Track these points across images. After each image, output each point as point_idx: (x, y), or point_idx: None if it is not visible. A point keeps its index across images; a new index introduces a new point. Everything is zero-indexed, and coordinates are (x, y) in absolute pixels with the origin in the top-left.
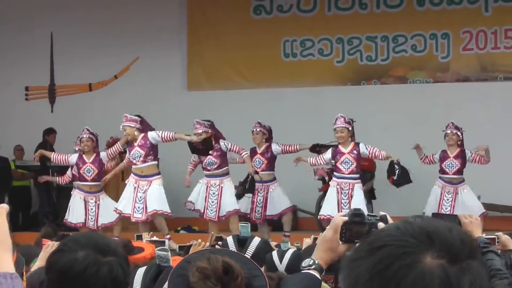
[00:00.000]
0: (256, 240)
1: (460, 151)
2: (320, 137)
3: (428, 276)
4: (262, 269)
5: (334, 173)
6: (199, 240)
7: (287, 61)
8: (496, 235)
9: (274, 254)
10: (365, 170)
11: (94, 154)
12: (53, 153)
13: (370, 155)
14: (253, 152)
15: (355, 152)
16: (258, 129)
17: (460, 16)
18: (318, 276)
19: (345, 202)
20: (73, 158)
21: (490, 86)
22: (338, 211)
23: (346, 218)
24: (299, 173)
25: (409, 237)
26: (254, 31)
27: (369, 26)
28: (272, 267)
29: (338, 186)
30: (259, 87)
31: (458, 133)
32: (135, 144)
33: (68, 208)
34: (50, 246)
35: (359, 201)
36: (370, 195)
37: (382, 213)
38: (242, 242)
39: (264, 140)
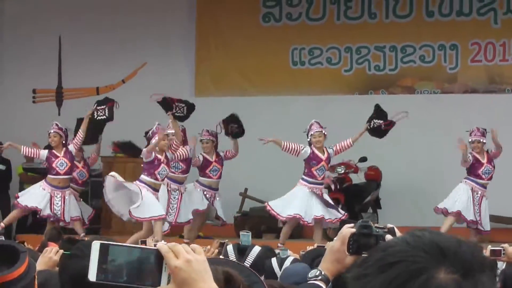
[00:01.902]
0: (257, 249)
1: (489, 155)
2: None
3: None
4: (262, 277)
5: (306, 177)
6: (208, 247)
7: (295, 69)
8: (502, 247)
9: (274, 261)
10: (370, 180)
11: (64, 148)
12: (23, 146)
13: (337, 153)
14: (206, 161)
15: (329, 158)
16: (207, 138)
17: (469, 27)
18: (325, 287)
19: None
20: (44, 153)
21: (498, 98)
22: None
23: (353, 230)
24: None
25: (421, 252)
26: (263, 39)
27: (378, 36)
28: (271, 273)
29: (309, 190)
30: (267, 94)
31: (484, 140)
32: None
33: (27, 191)
34: (48, 251)
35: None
36: (375, 204)
37: (389, 225)
38: (242, 251)
39: (213, 147)
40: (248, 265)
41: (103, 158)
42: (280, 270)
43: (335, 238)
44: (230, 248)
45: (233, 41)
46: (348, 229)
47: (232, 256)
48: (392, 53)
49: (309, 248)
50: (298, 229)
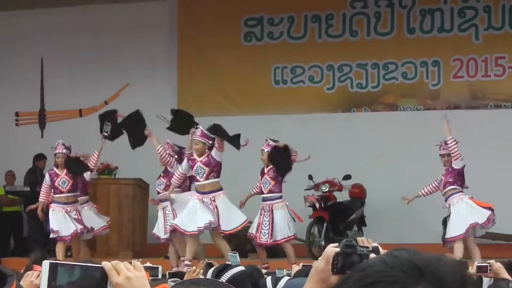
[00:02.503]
0: (236, 269)
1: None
2: (310, 165)
3: None
4: None
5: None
6: (194, 267)
7: (277, 88)
8: (489, 263)
9: (268, 280)
10: (355, 197)
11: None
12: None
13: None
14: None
15: (272, 174)
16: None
17: (450, 43)
18: None
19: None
20: (47, 178)
21: (481, 114)
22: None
23: (338, 249)
24: (288, 199)
25: (398, 272)
26: (245, 58)
27: (360, 53)
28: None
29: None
30: (249, 114)
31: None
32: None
33: (51, 223)
34: (30, 275)
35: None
36: (360, 222)
37: (374, 244)
38: (220, 272)
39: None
40: (224, 281)
41: None
42: None
43: (319, 258)
44: (209, 272)
45: (215, 61)
46: (332, 249)
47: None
48: (374, 71)
49: (295, 267)
50: (278, 249)
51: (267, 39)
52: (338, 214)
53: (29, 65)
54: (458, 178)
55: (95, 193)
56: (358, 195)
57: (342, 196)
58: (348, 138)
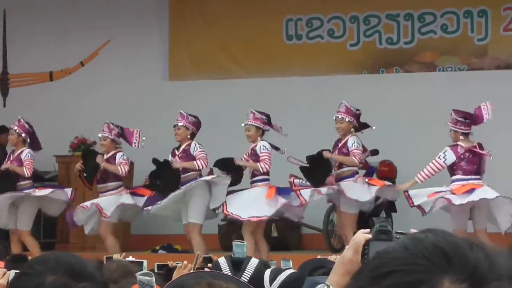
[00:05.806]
0: (254, 262)
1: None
2: (330, 135)
3: None
4: None
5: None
6: (185, 262)
7: (290, 45)
8: None
9: (267, 272)
10: (383, 177)
11: None
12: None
13: None
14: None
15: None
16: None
17: None
18: None
19: None
20: None
21: None
22: None
23: (369, 236)
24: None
25: (421, 259)
26: (251, 9)
27: (390, 2)
28: (259, 286)
29: None
30: (257, 76)
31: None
32: None
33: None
34: None
35: None
36: (389, 207)
37: (413, 230)
38: (237, 264)
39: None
40: (246, 281)
41: (57, 158)
42: (271, 285)
43: (346, 247)
44: (223, 261)
45: (215, 12)
46: (362, 235)
47: (226, 270)
48: (408, 23)
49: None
50: (298, 239)
51: None
52: None
53: None
54: None
55: (68, 174)
56: (388, 174)
57: None
58: (376, 105)
